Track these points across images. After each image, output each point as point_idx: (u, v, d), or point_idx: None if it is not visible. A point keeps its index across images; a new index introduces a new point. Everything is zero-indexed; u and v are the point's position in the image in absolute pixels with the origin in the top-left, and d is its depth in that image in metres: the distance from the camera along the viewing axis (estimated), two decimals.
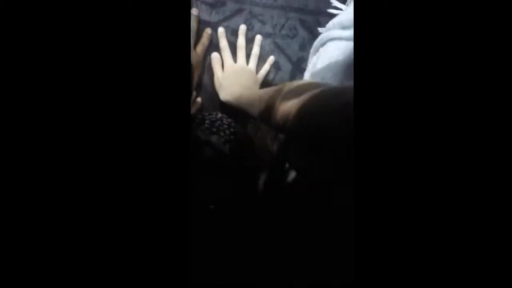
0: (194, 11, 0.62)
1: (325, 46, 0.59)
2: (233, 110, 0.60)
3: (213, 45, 0.64)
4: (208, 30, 0.63)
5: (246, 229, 0.38)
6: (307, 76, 0.61)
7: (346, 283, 0.30)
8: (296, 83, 0.45)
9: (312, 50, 0.63)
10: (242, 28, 0.64)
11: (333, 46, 0.56)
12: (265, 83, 0.67)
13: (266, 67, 0.66)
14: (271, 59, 0.66)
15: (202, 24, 0.63)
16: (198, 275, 0.27)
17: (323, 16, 0.67)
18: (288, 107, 0.39)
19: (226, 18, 0.64)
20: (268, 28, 0.66)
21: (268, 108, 0.45)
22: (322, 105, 0.34)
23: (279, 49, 0.67)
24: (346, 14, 0.58)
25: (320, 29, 0.65)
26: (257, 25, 0.66)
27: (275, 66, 0.68)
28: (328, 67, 0.55)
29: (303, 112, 0.35)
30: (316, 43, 0.62)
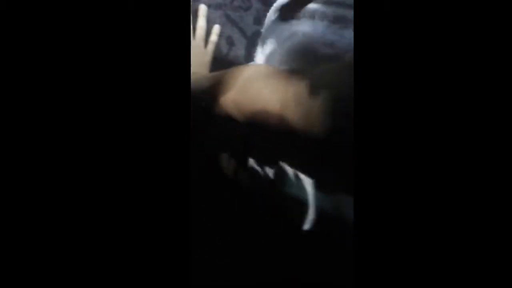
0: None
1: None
2: None
3: None
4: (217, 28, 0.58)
5: (246, 228, 0.37)
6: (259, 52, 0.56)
7: (346, 283, 0.30)
8: (242, 70, 0.42)
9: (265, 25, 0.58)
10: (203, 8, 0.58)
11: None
12: (217, 59, 0.60)
13: (213, 38, 0.59)
14: (216, 28, 0.60)
15: None
16: (198, 275, 0.27)
17: None
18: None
19: None
20: None
21: (216, 96, 0.43)
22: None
23: (231, 22, 0.61)
24: None
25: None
26: None
27: (228, 41, 0.62)
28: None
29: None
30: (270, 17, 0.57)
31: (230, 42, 0.62)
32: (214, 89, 0.43)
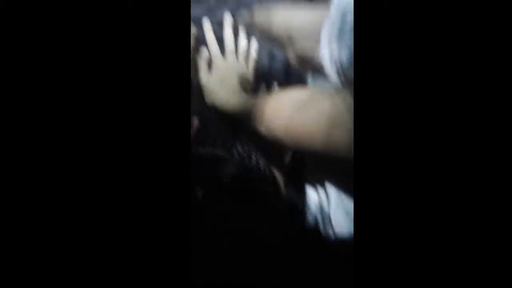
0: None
1: None
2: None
3: (199, 41, 0.61)
4: (192, 29, 0.58)
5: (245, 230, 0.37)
6: None
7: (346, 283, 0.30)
8: (289, 96, 0.45)
9: None
10: (228, 19, 0.61)
11: None
12: (259, 72, 0.63)
13: (252, 56, 0.62)
14: (254, 45, 0.62)
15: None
16: (198, 276, 0.27)
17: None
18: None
19: (210, 10, 0.61)
20: None
21: (261, 120, 0.45)
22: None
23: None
24: None
25: None
26: (245, 15, 0.62)
27: (269, 54, 0.64)
28: None
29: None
30: None
31: (271, 55, 0.64)
32: (260, 112, 0.46)
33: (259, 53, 0.63)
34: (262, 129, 0.46)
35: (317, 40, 0.38)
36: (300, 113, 0.41)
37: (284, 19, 0.45)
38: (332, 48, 0.36)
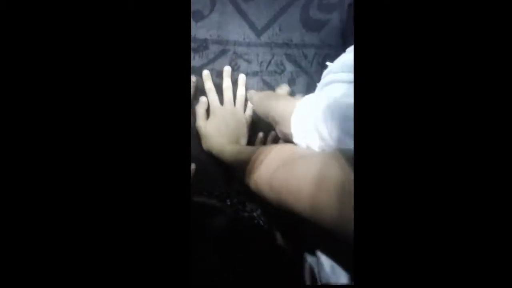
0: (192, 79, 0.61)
1: (329, 86, 0.57)
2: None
3: (199, 90, 0.63)
4: (193, 78, 0.61)
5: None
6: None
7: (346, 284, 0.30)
8: (279, 149, 0.44)
9: (319, 85, 0.61)
10: (227, 69, 0.63)
11: (336, 88, 0.54)
12: (254, 121, 0.65)
13: (250, 104, 0.64)
14: (250, 93, 0.64)
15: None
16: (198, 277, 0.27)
17: (309, 48, 0.66)
18: (272, 182, 0.39)
19: (210, 61, 0.63)
20: (254, 67, 0.65)
21: (249, 173, 0.45)
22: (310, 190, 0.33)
23: (268, 86, 0.66)
24: (350, 56, 0.55)
25: (328, 63, 0.62)
26: (243, 65, 0.65)
27: None
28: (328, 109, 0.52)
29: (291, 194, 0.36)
30: (323, 80, 0.60)
31: None
32: (249, 165, 0.45)
33: None
34: (250, 181, 0.45)
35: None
36: (286, 169, 0.38)
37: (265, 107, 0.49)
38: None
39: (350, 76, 0.52)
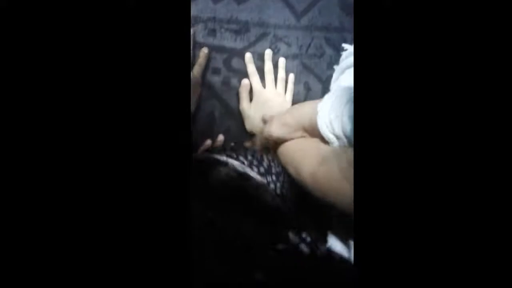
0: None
1: (351, 69, 0.58)
2: None
3: (241, 72, 0.64)
4: (205, 49, 0.62)
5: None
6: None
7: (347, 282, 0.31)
8: (317, 145, 0.44)
9: (338, 68, 0.62)
10: (268, 53, 0.64)
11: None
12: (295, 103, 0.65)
13: (289, 87, 0.65)
14: (291, 77, 0.65)
15: (228, 52, 0.64)
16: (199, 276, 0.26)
17: (347, 32, 0.66)
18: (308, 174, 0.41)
19: (251, 44, 0.64)
20: (294, 49, 0.66)
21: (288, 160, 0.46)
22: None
23: (307, 69, 0.67)
24: None
25: (344, 45, 0.63)
26: (283, 48, 0.66)
27: (305, 86, 0.67)
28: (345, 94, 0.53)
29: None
30: (343, 63, 0.61)
31: (307, 87, 0.67)
32: (292, 156, 0.46)
33: (297, 84, 0.66)
34: (290, 169, 0.47)
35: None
36: (325, 166, 0.40)
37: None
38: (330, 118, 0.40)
39: None
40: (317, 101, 0.44)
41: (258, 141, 0.54)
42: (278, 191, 0.47)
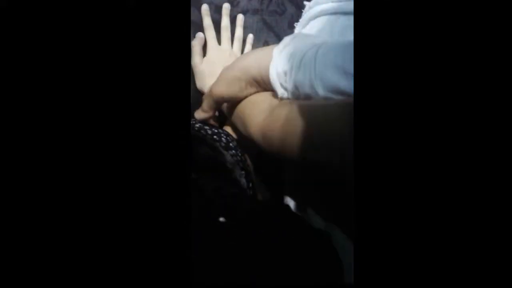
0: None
1: (315, 20, 0.55)
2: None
3: (196, 24, 0.60)
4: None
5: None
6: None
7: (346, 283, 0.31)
8: (283, 107, 0.40)
9: (299, 23, 0.59)
10: (226, 7, 0.60)
11: (323, 21, 0.52)
12: None
13: (247, 47, 0.62)
14: (250, 38, 0.62)
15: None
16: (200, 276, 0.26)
17: None
18: (276, 135, 0.36)
19: None
20: (255, 4, 0.62)
21: (247, 124, 0.42)
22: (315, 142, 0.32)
23: (267, 26, 0.64)
24: None
25: (306, 2, 0.60)
26: (242, 1, 0.62)
27: (265, 45, 0.64)
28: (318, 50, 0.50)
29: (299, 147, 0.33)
30: (305, 15, 0.58)
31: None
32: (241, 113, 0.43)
33: (256, 42, 0.63)
34: (239, 125, 0.44)
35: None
36: (273, 117, 0.37)
37: None
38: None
39: (342, 6, 0.48)
40: (272, 46, 0.40)
41: (205, 103, 0.49)
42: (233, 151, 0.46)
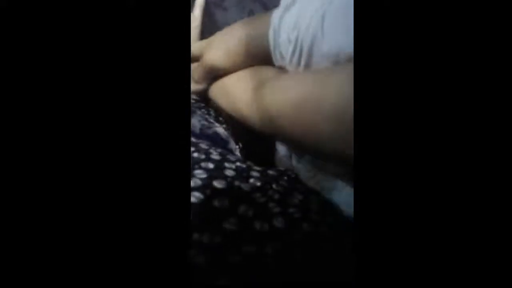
0: None
1: None
2: None
3: None
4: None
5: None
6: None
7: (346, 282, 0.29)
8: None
9: None
10: None
11: None
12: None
13: (196, 12, 0.56)
14: (200, 2, 0.56)
15: None
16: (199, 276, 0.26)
17: None
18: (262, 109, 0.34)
19: None
20: None
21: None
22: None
23: None
24: None
25: None
26: None
27: (250, 15, 0.59)
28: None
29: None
30: None
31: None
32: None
33: (240, 12, 0.58)
34: (225, 105, 0.42)
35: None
36: (274, 91, 0.35)
37: None
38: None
39: None
40: (269, 12, 0.36)
41: (197, 73, 0.46)
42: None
